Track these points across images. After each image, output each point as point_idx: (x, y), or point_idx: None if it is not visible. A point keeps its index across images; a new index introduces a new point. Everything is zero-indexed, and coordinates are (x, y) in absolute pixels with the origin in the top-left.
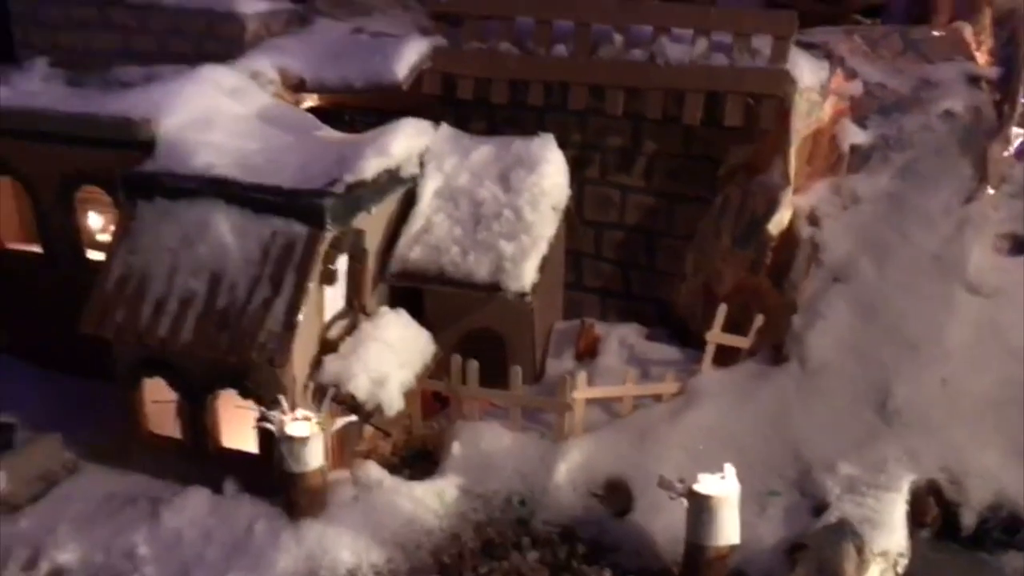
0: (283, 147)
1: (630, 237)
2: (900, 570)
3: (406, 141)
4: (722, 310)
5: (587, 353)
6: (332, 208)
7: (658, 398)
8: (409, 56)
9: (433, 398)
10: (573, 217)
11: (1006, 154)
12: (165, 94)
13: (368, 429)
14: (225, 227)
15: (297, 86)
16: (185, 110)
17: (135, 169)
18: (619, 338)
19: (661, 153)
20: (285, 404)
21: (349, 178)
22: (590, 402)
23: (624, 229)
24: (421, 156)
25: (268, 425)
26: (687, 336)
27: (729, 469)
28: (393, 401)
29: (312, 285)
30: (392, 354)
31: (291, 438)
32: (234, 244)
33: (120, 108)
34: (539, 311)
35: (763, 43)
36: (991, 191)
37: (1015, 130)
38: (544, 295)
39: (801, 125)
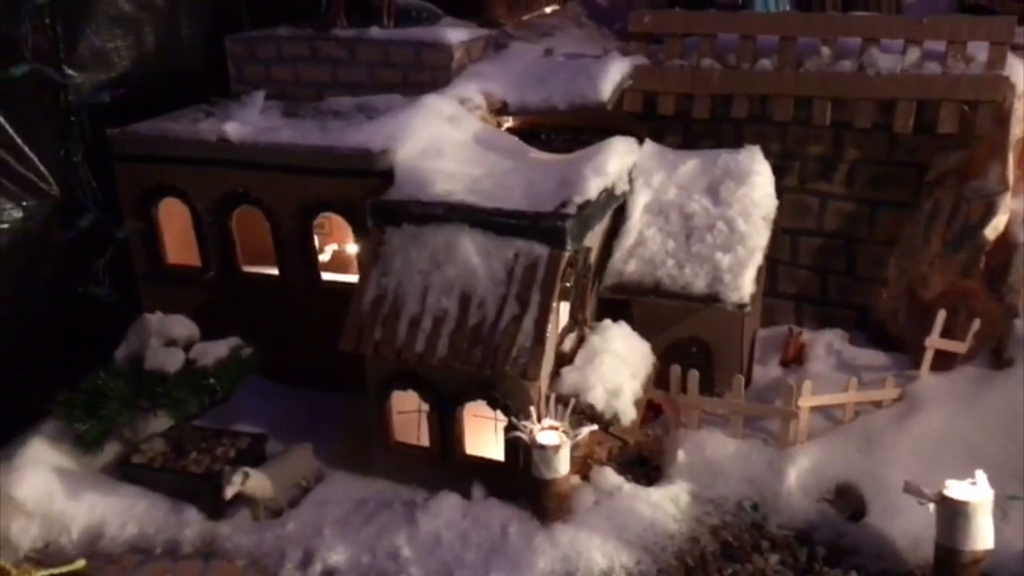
0: (506, 171)
1: (828, 243)
2: None
3: (619, 159)
4: (941, 316)
5: (794, 360)
6: (571, 229)
7: (877, 404)
8: (612, 76)
9: (648, 406)
10: (776, 226)
11: None
12: (396, 125)
13: (587, 436)
14: (471, 249)
15: (500, 109)
16: (416, 139)
17: (383, 198)
18: (825, 344)
19: (864, 160)
20: (534, 414)
21: (578, 199)
22: (815, 409)
23: (822, 235)
24: (630, 172)
25: (519, 434)
26: (887, 340)
27: (980, 475)
28: (627, 411)
29: (554, 302)
30: (624, 365)
31: (544, 446)
32: (480, 265)
33: (358, 140)
34: (746, 319)
35: (977, 48)
36: None
37: None
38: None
39: (1019, 129)
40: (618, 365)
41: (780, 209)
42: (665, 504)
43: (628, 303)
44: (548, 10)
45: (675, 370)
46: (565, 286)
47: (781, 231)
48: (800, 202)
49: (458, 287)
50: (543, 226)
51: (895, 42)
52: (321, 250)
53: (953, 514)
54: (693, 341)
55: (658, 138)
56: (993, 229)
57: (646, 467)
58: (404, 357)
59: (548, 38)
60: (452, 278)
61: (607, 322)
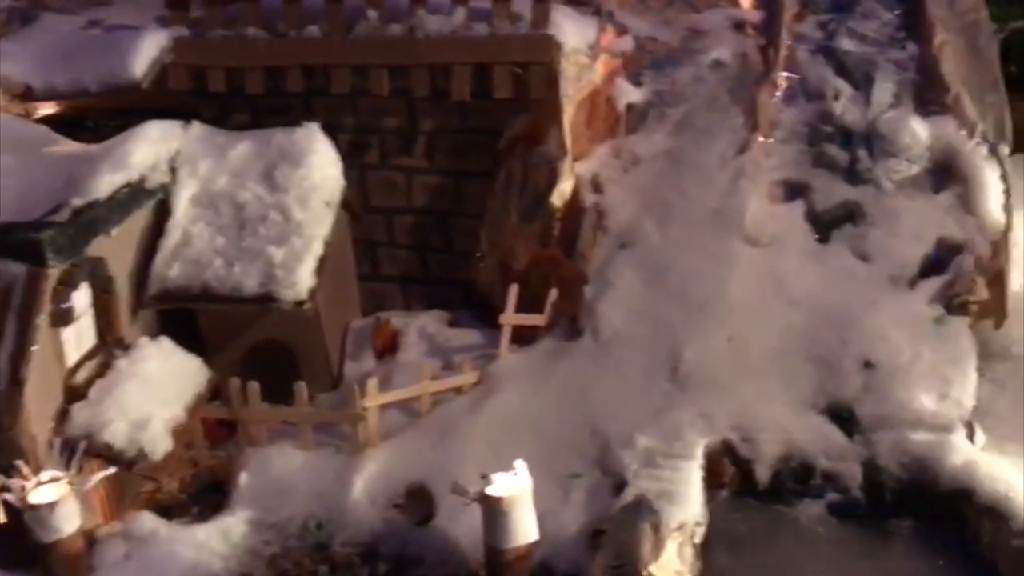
0: (2, 172)
1: (421, 220)
2: (697, 540)
3: (149, 148)
4: (513, 290)
5: (386, 350)
6: (52, 240)
7: (459, 390)
8: (147, 50)
9: (220, 425)
10: (355, 206)
11: (774, 99)
12: None
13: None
14: None
15: (24, 94)
16: None
17: None
18: (418, 329)
19: (439, 130)
20: (25, 469)
21: (78, 201)
22: (387, 406)
23: (414, 212)
24: (171, 162)
25: (8, 496)
26: (492, 315)
27: (520, 464)
28: (158, 443)
29: (42, 330)
30: (153, 391)
31: (35, 506)
32: None
33: None
34: (327, 313)
35: (524, 7)
36: (762, 139)
37: (781, 74)
38: (332, 295)
39: (572, 90)
40: (146, 391)
41: (368, 187)
42: (212, 542)
43: (193, 312)
44: None
45: (234, 383)
46: (61, 308)
47: (372, 211)
48: (387, 179)
49: None
50: (14, 240)
51: (445, 3)
52: None
53: (493, 512)
54: (271, 344)
55: (224, 119)
56: (559, 195)
57: (219, 492)
58: None
59: (102, 8)
60: None
61: (142, 341)
